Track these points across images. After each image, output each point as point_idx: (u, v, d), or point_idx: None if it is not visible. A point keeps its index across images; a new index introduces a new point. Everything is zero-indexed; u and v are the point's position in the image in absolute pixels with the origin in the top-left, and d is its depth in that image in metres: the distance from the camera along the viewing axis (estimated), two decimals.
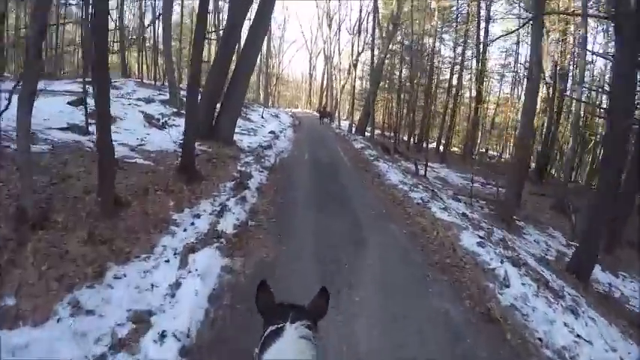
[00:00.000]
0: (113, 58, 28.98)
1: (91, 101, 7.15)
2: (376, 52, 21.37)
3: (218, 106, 10.69)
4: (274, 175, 8.42)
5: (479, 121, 25.45)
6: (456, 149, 27.82)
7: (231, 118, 10.59)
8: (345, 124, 29.00)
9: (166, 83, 15.20)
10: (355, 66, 27.42)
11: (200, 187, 6.62)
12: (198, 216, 5.55)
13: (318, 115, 29.38)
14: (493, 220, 8.95)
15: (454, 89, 24.52)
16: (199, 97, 10.40)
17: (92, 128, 7.29)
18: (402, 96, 24.57)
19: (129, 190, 5.63)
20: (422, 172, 13.47)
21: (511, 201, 9.31)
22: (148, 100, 14.18)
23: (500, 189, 15.88)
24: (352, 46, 28.66)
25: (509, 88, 26.40)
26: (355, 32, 28.01)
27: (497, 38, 19.46)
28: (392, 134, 24.25)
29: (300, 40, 73.75)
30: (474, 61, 23.74)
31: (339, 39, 33.71)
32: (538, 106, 25.09)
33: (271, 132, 15.79)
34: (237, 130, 14.16)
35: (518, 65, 23.89)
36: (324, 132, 21.55)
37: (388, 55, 23.52)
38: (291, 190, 7.56)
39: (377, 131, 25.69)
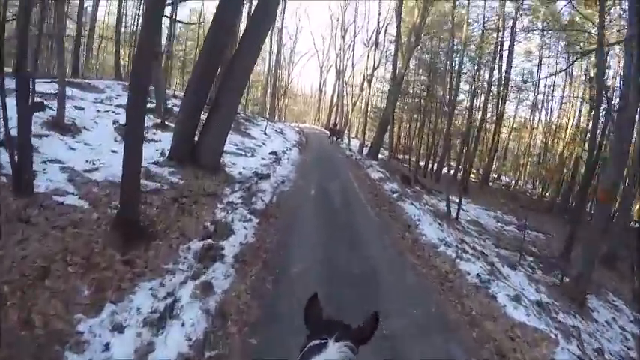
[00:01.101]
0: (107, 59, 27.34)
1: None
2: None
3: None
4: (267, 225, 5.99)
5: (498, 146, 23.22)
6: (471, 176, 25.51)
7: (218, 136, 8.25)
8: (355, 143, 26.68)
9: None
10: (370, 81, 25.23)
11: (146, 254, 4.24)
12: (121, 328, 3.15)
13: (327, 132, 27.11)
14: (558, 297, 6.47)
15: (477, 111, 22.29)
16: (184, 108, 8.22)
17: None
18: (420, 117, 22.35)
19: (18, 270, 3.36)
20: (453, 212, 11.05)
21: (585, 275, 6.82)
22: None
23: (538, 234, 13.54)
24: (367, 60, 26.53)
25: (527, 111, 24.37)
26: (371, 45, 25.93)
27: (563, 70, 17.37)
28: (405, 157, 21.92)
29: (312, 52, 72.34)
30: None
31: (353, 52, 31.72)
32: (567, 134, 23.18)
33: (272, 153, 13.46)
34: (231, 149, 11.87)
35: (539, 88, 22.42)
36: (334, 154, 19.18)
37: (409, 70, 21.29)
38: (289, 259, 4.99)
39: (388, 152, 23.50)
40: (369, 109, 26.15)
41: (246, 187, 7.71)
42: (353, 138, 28.73)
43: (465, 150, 22.96)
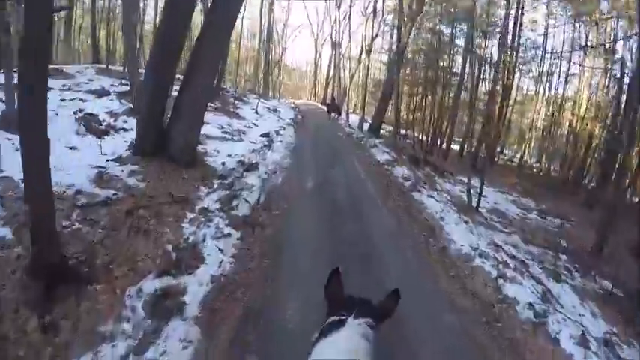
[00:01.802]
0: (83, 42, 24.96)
1: None
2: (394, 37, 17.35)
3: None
4: (251, 241, 4.60)
5: (504, 119, 21.77)
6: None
7: (192, 121, 6.73)
8: (354, 119, 25.08)
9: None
10: (369, 53, 23.33)
11: (77, 310, 2.92)
12: None
13: (324, 107, 25.42)
14: (614, 319, 5.22)
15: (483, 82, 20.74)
16: (145, 88, 6.68)
17: None
18: (424, 89, 20.71)
19: None
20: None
21: None
22: (102, 94, 10.59)
23: (565, 222, 12.23)
24: (365, 30, 24.54)
25: (533, 84, 22.76)
26: (369, 14, 23.85)
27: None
28: (409, 133, 20.46)
29: (306, 25, 69.00)
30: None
31: (349, 23, 29.56)
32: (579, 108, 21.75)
33: (264, 135, 11.96)
34: (215, 133, 10.39)
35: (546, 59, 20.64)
36: (333, 131, 17.62)
37: (412, 39, 19.46)
38: (278, 299, 3.51)
39: (389, 128, 22.02)
40: (368, 82, 24.36)
41: (228, 183, 6.32)
42: (351, 113, 27.05)
43: (471, 124, 21.60)
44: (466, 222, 6.63)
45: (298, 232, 5.19)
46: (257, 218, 5.35)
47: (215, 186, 6.12)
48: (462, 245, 5.33)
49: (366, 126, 23.22)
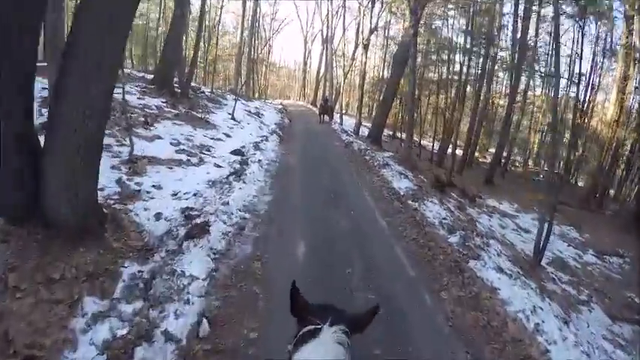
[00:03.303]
0: None
1: None
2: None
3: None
4: None
5: (510, 123, 19.19)
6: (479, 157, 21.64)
7: (80, 158, 3.55)
8: (349, 122, 22.15)
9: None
10: (366, 47, 20.31)
11: None
12: None
13: (311, 107, 22.23)
14: None
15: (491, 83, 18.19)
16: None
17: None
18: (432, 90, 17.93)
19: None
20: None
21: None
22: None
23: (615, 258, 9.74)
24: (362, 21, 21.57)
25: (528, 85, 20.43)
26: (367, 3, 20.82)
27: None
28: (415, 139, 17.64)
29: (292, 19, 65.66)
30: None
31: (343, 15, 26.59)
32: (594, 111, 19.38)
33: (237, 152, 8.92)
34: (169, 152, 7.37)
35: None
36: (327, 140, 14.56)
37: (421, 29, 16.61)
38: None
39: (386, 131, 19.18)
40: (365, 81, 21.39)
41: (152, 270, 3.31)
42: (344, 114, 24.06)
43: (479, 128, 18.91)
44: (549, 302, 3.78)
45: None
46: None
47: (125, 277, 3.10)
48: None
49: (363, 130, 20.41)
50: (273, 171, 8.24)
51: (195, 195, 5.56)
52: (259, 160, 8.56)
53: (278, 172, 8.26)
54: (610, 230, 12.04)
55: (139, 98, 10.77)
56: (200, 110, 12.74)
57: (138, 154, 6.57)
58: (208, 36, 21.98)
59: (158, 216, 4.64)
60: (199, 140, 9.09)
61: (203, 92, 16.62)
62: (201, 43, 18.73)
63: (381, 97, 18.08)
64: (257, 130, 12.90)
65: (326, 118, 20.16)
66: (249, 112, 16.27)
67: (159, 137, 8.32)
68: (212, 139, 9.67)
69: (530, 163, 23.86)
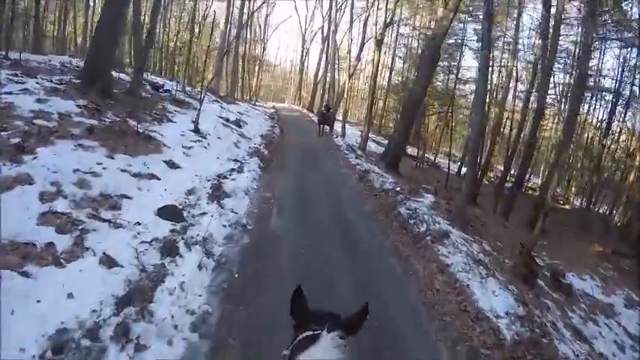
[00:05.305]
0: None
1: None
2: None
3: None
4: None
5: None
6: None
7: None
8: (353, 133, 18.08)
9: None
10: (380, 44, 16.11)
11: None
12: None
13: (307, 113, 18.00)
14: None
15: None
16: None
17: None
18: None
19: None
20: None
21: None
22: None
23: None
24: (377, 12, 17.49)
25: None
26: None
27: None
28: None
29: (292, 19, 61.50)
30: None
31: (351, 4, 22.44)
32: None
33: (169, 211, 4.70)
34: (21, 224, 3.07)
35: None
36: (334, 168, 10.31)
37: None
38: None
39: (410, 149, 15.16)
40: (377, 85, 17.26)
41: None
42: (350, 126, 19.85)
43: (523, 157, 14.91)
44: None
45: None
46: None
47: None
48: None
49: (371, 146, 16.31)
50: (233, 268, 4.01)
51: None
52: (209, 235, 4.34)
53: (244, 271, 4.02)
54: None
55: (38, 100, 6.51)
56: (148, 117, 8.50)
57: None
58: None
59: None
60: (109, 181, 4.84)
61: (167, 91, 12.37)
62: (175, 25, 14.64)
63: (402, 108, 13.96)
64: (230, 151, 8.67)
65: (326, 128, 16.02)
66: (227, 120, 12.02)
67: (23, 181, 4.09)
68: (138, 175, 5.42)
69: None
